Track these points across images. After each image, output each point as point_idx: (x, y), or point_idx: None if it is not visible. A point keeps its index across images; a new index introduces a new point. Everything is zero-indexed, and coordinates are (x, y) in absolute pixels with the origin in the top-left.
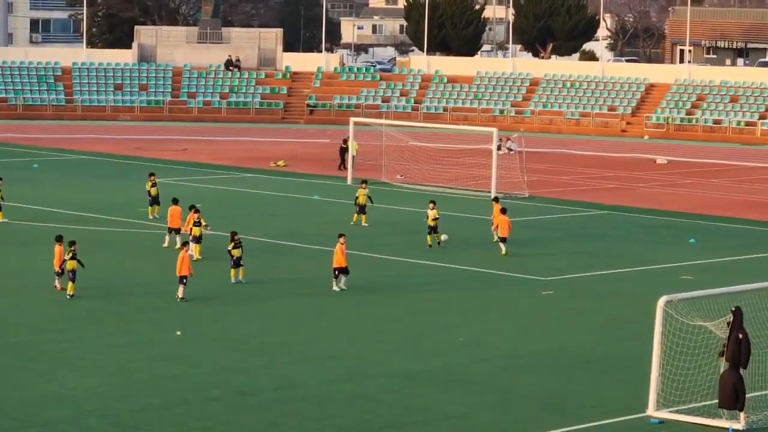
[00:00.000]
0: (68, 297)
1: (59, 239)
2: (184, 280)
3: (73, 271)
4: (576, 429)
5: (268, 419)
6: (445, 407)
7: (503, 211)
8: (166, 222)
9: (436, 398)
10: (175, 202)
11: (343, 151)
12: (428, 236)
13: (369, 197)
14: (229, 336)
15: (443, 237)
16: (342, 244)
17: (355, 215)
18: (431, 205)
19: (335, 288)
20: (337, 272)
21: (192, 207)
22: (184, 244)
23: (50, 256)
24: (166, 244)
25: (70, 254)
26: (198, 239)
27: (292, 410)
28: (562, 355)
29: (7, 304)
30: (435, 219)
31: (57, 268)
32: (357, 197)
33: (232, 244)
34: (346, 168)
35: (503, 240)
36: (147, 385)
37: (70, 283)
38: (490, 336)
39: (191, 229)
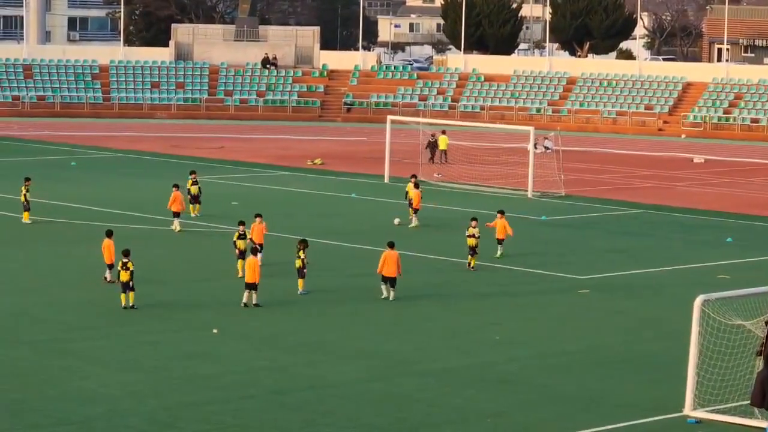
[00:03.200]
0: (131, 308)
1: (110, 234)
2: (254, 287)
3: (127, 283)
4: (612, 428)
5: (302, 418)
6: (480, 406)
7: (501, 213)
8: (206, 220)
9: (471, 397)
10: (176, 187)
11: (433, 145)
12: (468, 257)
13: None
14: (264, 335)
15: (396, 221)
16: (392, 250)
17: (410, 210)
18: (473, 223)
19: (386, 295)
20: (387, 280)
21: (257, 215)
22: (254, 251)
23: (88, 253)
24: (176, 229)
25: (122, 265)
26: (242, 254)
27: (326, 409)
28: (597, 354)
29: (43, 302)
30: (477, 237)
31: (108, 261)
32: (407, 192)
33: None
34: (435, 162)
35: (500, 242)
36: (182, 383)
37: (131, 293)
38: (525, 335)
39: (235, 241)
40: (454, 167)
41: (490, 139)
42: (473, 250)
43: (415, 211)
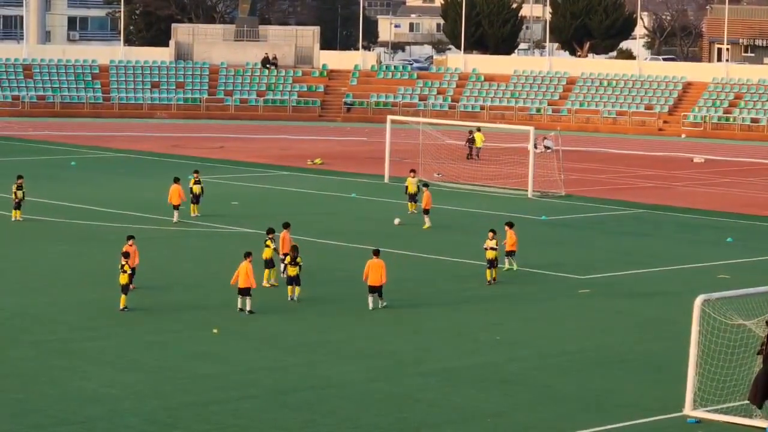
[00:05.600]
0: (120, 310)
1: (131, 239)
2: (248, 293)
3: (126, 285)
4: (612, 428)
5: (304, 418)
6: (482, 406)
7: (510, 225)
8: (206, 221)
9: (472, 397)
10: (176, 180)
11: (471, 142)
12: (487, 270)
13: (418, 185)
14: (265, 335)
15: (396, 221)
16: (377, 258)
17: (409, 204)
18: (490, 235)
19: (373, 306)
20: (374, 290)
21: (285, 225)
22: (247, 255)
23: (89, 253)
24: (174, 220)
25: (121, 267)
26: (268, 263)
27: (328, 409)
28: (598, 354)
29: (46, 302)
30: (495, 250)
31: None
32: (407, 186)
33: (288, 258)
34: (473, 157)
35: (511, 254)
36: (183, 384)
37: (123, 296)
38: (526, 335)
39: (264, 250)
40: (455, 167)
41: (490, 139)
42: (492, 263)
43: (426, 212)
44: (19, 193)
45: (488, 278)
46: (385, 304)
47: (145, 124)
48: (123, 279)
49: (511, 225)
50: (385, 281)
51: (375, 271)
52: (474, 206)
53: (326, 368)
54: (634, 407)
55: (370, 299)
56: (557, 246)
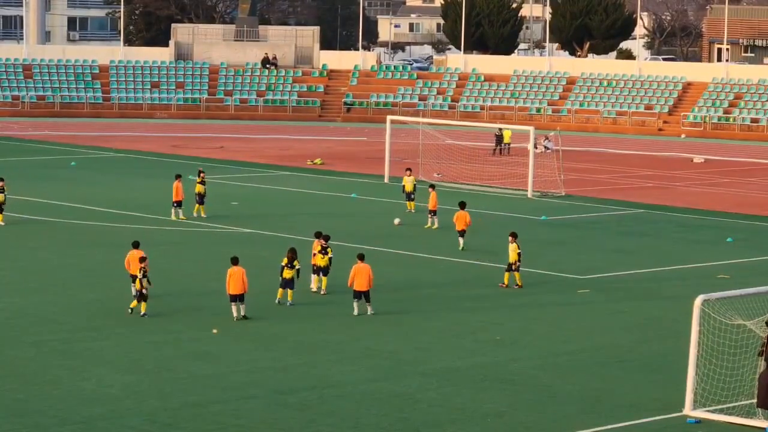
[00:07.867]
0: (142, 316)
1: (136, 245)
2: (241, 299)
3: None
4: (613, 428)
5: (305, 418)
6: (482, 406)
7: (462, 205)
8: (206, 221)
9: (473, 397)
10: (178, 177)
11: (499, 139)
12: (506, 274)
13: (414, 185)
14: (265, 335)
15: (396, 221)
16: (362, 263)
17: (408, 203)
18: (511, 239)
19: (358, 312)
20: (360, 295)
21: (318, 235)
22: (235, 260)
23: (90, 253)
24: (176, 218)
25: (141, 272)
26: (322, 270)
27: (329, 409)
28: (598, 354)
29: (46, 302)
30: (518, 253)
31: (132, 273)
32: (404, 185)
33: (285, 260)
34: (501, 154)
35: (461, 233)
36: (184, 384)
37: (143, 302)
38: (526, 335)
39: (314, 256)
40: (455, 167)
41: (489, 139)
42: (517, 267)
43: (432, 212)
44: (0, 196)
45: (505, 282)
46: (372, 312)
47: (145, 124)
48: (139, 284)
49: (463, 205)
50: (371, 286)
51: (361, 276)
52: (474, 206)
53: (326, 368)
54: (634, 407)
55: (356, 304)
56: (557, 246)
